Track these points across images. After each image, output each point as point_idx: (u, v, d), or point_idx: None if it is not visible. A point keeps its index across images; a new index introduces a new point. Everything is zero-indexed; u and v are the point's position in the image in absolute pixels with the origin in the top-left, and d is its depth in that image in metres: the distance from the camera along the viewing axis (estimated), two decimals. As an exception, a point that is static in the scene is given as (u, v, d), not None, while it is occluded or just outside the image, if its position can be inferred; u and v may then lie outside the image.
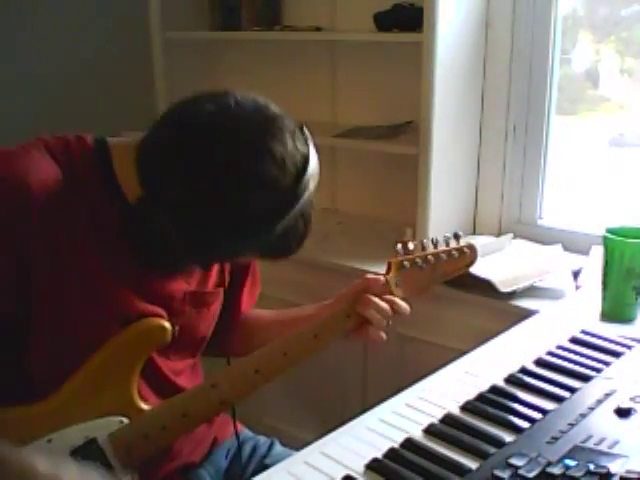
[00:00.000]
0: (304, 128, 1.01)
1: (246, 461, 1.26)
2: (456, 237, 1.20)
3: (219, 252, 0.99)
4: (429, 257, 1.18)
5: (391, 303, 1.14)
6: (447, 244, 1.20)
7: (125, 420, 1.05)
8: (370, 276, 1.17)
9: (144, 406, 1.06)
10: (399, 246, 1.18)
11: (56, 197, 0.97)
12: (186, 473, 1.20)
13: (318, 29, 2.19)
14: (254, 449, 1.29)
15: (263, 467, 1.23)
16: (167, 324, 1.07)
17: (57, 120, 2.52)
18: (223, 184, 0.92)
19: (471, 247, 1.21)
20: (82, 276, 1.00)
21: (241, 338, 1.28)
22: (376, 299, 1.13)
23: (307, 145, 0.99)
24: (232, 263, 1.21)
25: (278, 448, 1.31)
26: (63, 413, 1.03)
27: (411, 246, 1.18)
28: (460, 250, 1.20)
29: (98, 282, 1.02)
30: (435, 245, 1.19)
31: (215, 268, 1.16)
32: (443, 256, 1.18)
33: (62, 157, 1.00)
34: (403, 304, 1.15)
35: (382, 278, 1.16)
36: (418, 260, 1.17)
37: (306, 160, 0.97)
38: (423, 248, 1.19)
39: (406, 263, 1.17)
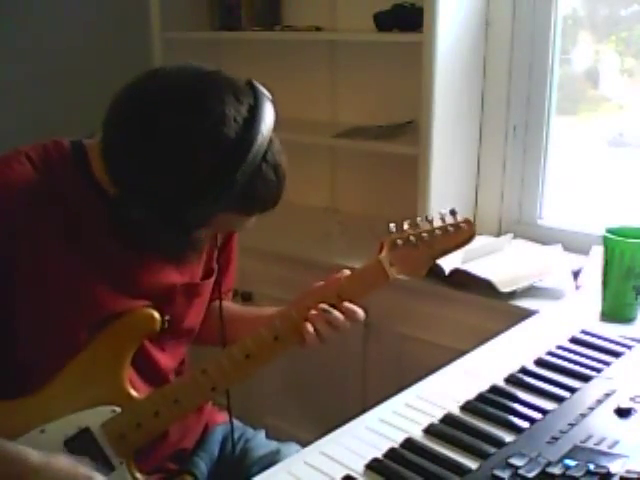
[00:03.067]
0: (253, 81, 1.01)
1: (235, 442, 1.27)
2: (452, 213, 1.16)
3: (194, 218, 0.97)
4: (423, 234, 1.14)
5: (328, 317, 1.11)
6: (443, 220, 1.16)
7: (117, 409, 1.06)
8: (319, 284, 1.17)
9: (135, 394, 1.08)
10: (392, 225, 1.15)
11: (37, 202, 1.01)
12: (180, 460, 1.21)
13: (318, 29, 2.19)
14: (241, 436, 1.30)
15: (243, 452, 1.26)
16: (156, 313, 1.08)
17: (57, 120, 2.52)
18: (164, 151, 0.93)
19: (468, 222, 1.16)
20: (65, 276, 1.03)
21: (210, 326, 1.27)
22: (315, 313, 1.11)
23: (254, 96, 0.98)
24: (219, 247, 1.20)
25: (261, 437, 1.31)
26: (56, 404, 1.05)
27: (405, 225, 1.15)
28: (456, 226, 1.15)
29: (81, 281, 1.04)
30: (430, 222, 1.16)
31: (202, 259, 1.17)
32: (438, 232, 1.15)
33: (41, 164, 1.03)
34: (350, 310, 1.12)
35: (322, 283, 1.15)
36: (412, 238, 1.14)
37: (252, 109, 0.96)
38: (417, 226, 1.15)
39: (399, 241, 1.14)
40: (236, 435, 1.27)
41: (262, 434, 1.32)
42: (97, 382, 1.07)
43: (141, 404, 1.07)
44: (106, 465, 1.06)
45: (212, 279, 1.20)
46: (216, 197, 0.94)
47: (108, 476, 1.03)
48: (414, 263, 1.16)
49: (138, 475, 1.08)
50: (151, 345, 1.13)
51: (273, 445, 1.28)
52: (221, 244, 1.21)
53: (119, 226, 1.02)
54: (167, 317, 1.11)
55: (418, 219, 1.17)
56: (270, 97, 1.01)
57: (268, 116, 0.98)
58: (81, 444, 1.04)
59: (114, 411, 1.06)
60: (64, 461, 0.97)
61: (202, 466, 1.24)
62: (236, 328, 1.21)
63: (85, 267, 1.04)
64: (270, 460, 1.19)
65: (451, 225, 1.16)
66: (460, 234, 1.16)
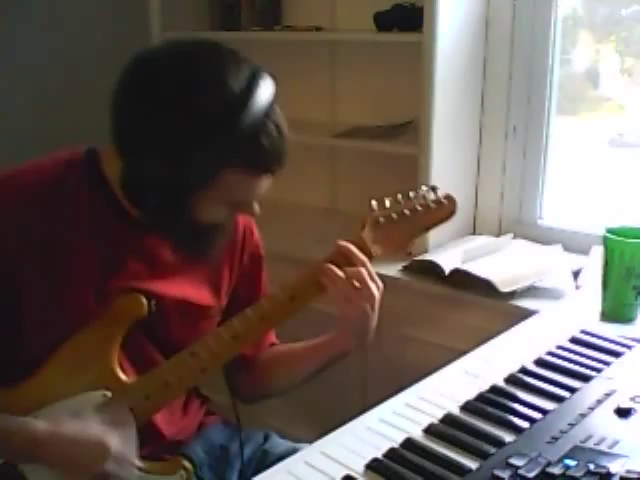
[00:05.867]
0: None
1: (243, 444, 1.26)
2: (433, 189, 1.16)
3: (198, 169, 0.96)
4: (405, 211, 1.14)
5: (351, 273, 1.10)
6: (424, 197, 1.16)
7: (108, 393, 1.07)
8: (341, 242, 1.14)
9: (125, 378, 1.08)
10: (374, 202, 1.15)
11: (46, 201, 1.05)
12: (176, 449, 1.20)
13: (318, 29, 2.19)
14: (249, 437, 1.29)
15: (263, 453, 1.27)
16: (143, 298, 1.08)
17: (56, 120, 2.53)
18: (169, 101, 0.96)
19: (449, 198, 1.16)
20: (73, 270, 1.05)
21: (251, 380, 1.29)
22: (331, 267, 1.11)
23: (253, 64, 1.03)
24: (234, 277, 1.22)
25: (276, 438, 1.32)
26: (47, 390, 1.06)
27: (387, 202, 1.15)
28: (437, 202, 1.16)
29: (85, 276, 1.06)
30: (411, 199, 1.15)
31: (208, 280, 1.18)
32: (420, 209, 1.15)
33: (53, 168, 1.08)
34: (358, 272, 1.10)
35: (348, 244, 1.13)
36: (394, 215, 1.14)
37: (253, 70, 1.00)
38: (398, 203, 1.15)
39: (381, 219, 1.14)
40: (243, 437, 1.27)
41: (275, 436, 1.33)
42: (87, 367, 1.07)
43: (131, 388, 1.08)
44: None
45: (215, 304, 1.20)
46: (219, 145, 0.95)
47: None
48: (396, 240, 1.16)
49: None
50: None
51: (289, 444, 1.29)
52: (244, 268, 1.24)
53: (130, 199, 1.03)
54: (153, 301, 1.10)
55: (399, 196, 1.16)
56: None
57: (269, 80, 1.02)
58: None
59: (105, 395, 1.07)
60: (72, 428, 1.00)
61: (199, 451, 1.23)
62: (296, 366, 1.26)
63: (88, 259, 1.06)
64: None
65: (433, 201, 1.16)
66: (442, 210, 1.16)
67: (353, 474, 0.91)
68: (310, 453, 0.96)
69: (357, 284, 1.10)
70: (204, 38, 1.04)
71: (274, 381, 1.29)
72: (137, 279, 1.10)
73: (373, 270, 1.12)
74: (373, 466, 0.92)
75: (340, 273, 1.10)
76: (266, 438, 1.32)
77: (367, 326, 1.15)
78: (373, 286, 1.11)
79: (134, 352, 1.11)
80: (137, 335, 1.11)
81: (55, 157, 1.10)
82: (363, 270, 1.11)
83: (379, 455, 0.94)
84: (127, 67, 1.02)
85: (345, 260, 1.12)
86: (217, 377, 1.28)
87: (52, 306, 1.05)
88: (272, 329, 1.29)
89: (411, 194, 1.16)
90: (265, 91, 0.99)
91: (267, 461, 1.23)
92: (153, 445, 1.15)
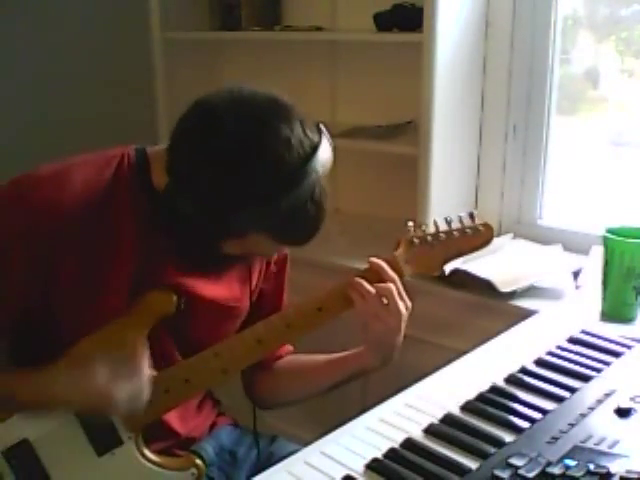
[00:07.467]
0: (320, 125, 1.04)
1: (250, 446, 1.29)
2: (471, 216, 1.18)
3: (231, 226, 0.99)
4: (440, 234, 1.16)
5: (380, 289, 1.12)
6: (462, 223, 1.18)
7: None
8: (373, 259, 1.16)
9: (148, 371, 1.09)
10: (410, 223, 1.17)
11: (89, 205, 1.05)
12: (187, 447, 1.22)
13: (318, 29, 2.19)
14: (256, 440, 1.30)
15: (269, 455, 1.28)
16: (174, 296, 1.10)
17: (57, 120, 2.53)
18: (225, 157, 0.96)
19: (486, 225, 1.18)
20: (110, 269, 1.06)
21: (267, 385, 1.31)
22: (362, 281, 1.12)
23: (320, 135, 1.02)
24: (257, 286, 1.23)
25: (282, 441, 1.33)
26: None
27: (423, 225, 1.17)
28: (474, 228, 1.17)
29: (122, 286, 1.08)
30: (449, 224, 1.17)
31: (240, 280, 1.19)
32: (456, 234, 1.16)
33: (102, 170, 1.08)
34: (388, 288, 1.12)
35: (382, 262, 1.15)
36: (428, 237, 1.16)
37: (315, 146, 0.99)
38: (435, 226, 1.17)
39: (415, 240, 1.16)
40: (248, 439, 1.29)
41: (282, 439, 1.34)
42: None
43: (153, 380, 1.08)
44: (115, 439, 1.09)
45: (243, 304, 1.21)
46: (257, 214, 0.96)
47: (116, 449, 1.08)
48: (429, 262, 1.17)
49: (145, 450, 1.11)
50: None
51: (295, 447, 1.29)
52: (272, 268, 1.25)
53: (163, 221, 1.05)
54: (183, 299, 1.12)
55: (437, 220, 1.18)
56: (332, 143, 1.04)
57: (327, 159, 1.01)
58: (93, 417, 1.07)
59: None
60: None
61: (209, 449, 1.25)
62: (317, 378, 1.26)
63: (124, 266, 1.07)
64: None
65: (469, 227, 1.17)
66: (478, 237, 1.18)
67: (353, 474, 0.91)
68: (310, 453, 0.97)
69: (385, 300, 1.12)
70: (276, 97, 1.02)
71: (292, 389, 1.30)
72: (172, 277, 1.11)
73: (403, 289, 1.14)
74: (373, 466, 0.92)
75: (370, 288, 1.12)
76: (272, 440, 1.33)
77: (393, 343, 1.17)
78: (401, 304, 1.12)
79: (153, 346, 1.11)
80: (160, 330, 1.12)
81: (106, 155, 1.10)
82: (392, 286, 1.12)
83: (379, 455, 0.94)
84: (197, 103, 1.01)
85: (376, 277, 1.13)
86: (230, 381, 1.30)
87: (85, 305, 1.06)
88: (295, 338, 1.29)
89: (449, 218, 1.18)
90: (319, 170, 0.99)
91: (273, 463, 1.23)
92: (167, 441, 1.17)
